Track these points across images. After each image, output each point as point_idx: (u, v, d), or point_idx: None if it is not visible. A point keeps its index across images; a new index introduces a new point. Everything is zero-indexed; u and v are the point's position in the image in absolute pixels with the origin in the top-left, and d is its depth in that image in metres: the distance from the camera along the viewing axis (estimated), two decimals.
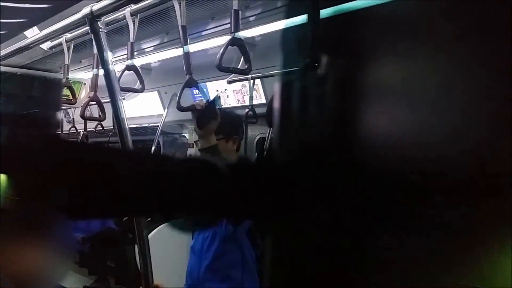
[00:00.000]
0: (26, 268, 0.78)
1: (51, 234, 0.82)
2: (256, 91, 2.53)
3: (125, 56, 1.67)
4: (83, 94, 2.93)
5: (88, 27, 1.57)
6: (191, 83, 1.40)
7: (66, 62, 2.06)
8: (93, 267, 3.26)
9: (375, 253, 0.58)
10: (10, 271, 0.76)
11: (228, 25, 1.25)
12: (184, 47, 1.40)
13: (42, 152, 0.62)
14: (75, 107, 2.78)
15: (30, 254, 0.78)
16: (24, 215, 0.84)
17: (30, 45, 2.11)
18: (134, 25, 1.60)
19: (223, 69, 1.23)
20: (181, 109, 1.43)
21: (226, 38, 1.24)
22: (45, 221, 0.84)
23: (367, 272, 0.59)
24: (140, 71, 1.70)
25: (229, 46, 1.22)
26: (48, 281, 0.82)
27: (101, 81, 1.66)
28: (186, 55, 1.41)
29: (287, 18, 0.73)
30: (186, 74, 1.40)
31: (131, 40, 1.61)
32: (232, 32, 1.22)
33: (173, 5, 1.41)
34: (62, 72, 2.18)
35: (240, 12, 1.25)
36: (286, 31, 0.73)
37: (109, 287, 3.14)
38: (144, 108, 3.37)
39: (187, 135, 3.35)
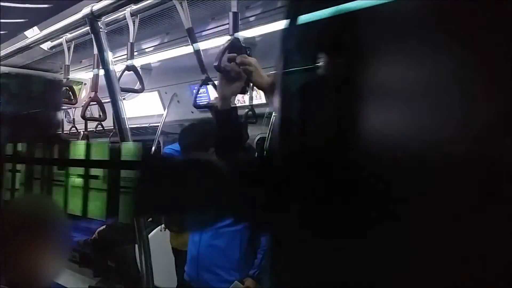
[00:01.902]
0: (21, 266, 0.79)
1: (46, 234, 0.82)
2: (256, 91, 2.53)
3: (125, 56, 1.67)
4: (84, 94, 2.93)
5: (88, 27, 1.58)
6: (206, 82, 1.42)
7: (67, 62, 2.07)
8: (96, 268, 3.26)
9: (373, 253, 0.58)
10: (5, 268, 0.77)
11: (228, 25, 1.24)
12: (194, 45, 1.40)
13: None
14: (75, 107, 2.78)
15: (24, 252, 0.79)
16: (19, 216, 0.84)
17: (31, 45, 2.11)
18: (134, 25, 1.60)
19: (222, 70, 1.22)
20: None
21: (226, 38, 1.23)
22: (41, 221, 0.84)
23: (365, 271, 0.59)
24: (140, 71, 1.70)
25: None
26: (42, 278, 0.82)
27: (102, 81, 1.66)
28: (197, 53, 1.41)
29: (287, 18, 0.73)
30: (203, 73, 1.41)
31: (131, 40, 1.61)
32: (231, 34, 1.21)
33: (173, 6, 1.42)
34: (62, 72, 2.19)
35: (239, 13, 1.24)
36: (286, 31, 0.73)
37: (113, 287, 3.14)
38: (144, 108, 3.37)
39: None
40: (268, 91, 1.21)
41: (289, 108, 0.75)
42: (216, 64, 1.17)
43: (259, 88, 1.25)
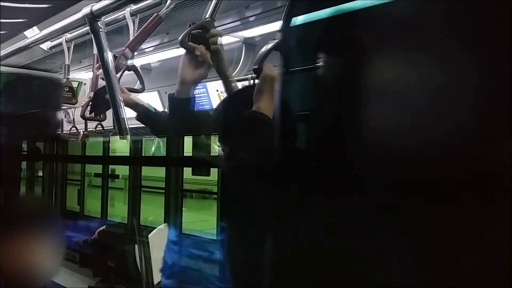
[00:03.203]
0: (17, 264, 0.79)
1: (42, 232, 0.82)
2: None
3: None
4: (84, 94, 2.93)
5: (88, 27, 1.58)
6: None
7: (67, 62, 2.07)
8: (96, 268, 3.26)
9: (374, 253, 0.58)
10: (2, 266, 0.77)
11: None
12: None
13: None
14: (75, 107, 2.78)
15: (21, 251, 0.79)
16: (15, 214, 0.84)
17: (30, 45, 2.12)
18: (134, 25, 1.60)
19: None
20: None
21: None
22: (37, 220, 0.85)
23: (365, 271, 0.59)
24: (140, 72, 1.70)
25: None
26: (39, 277, 0.82)
27: (102, 81, 1.66)
28: None
29: (287, 18, 0.73)
30: None
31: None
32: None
33: (173, 6, 1.42)
34: (62, 72, 2.19)
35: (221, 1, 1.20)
36: (286, 31, 0.73)
37: (113, 287, 3.14)
38: None
39: None
40: (227, 82, 1.17)
41: (289, 108, 0.75)
42: (181, 38, 1.09)
43: (221, 78, 1.19)
